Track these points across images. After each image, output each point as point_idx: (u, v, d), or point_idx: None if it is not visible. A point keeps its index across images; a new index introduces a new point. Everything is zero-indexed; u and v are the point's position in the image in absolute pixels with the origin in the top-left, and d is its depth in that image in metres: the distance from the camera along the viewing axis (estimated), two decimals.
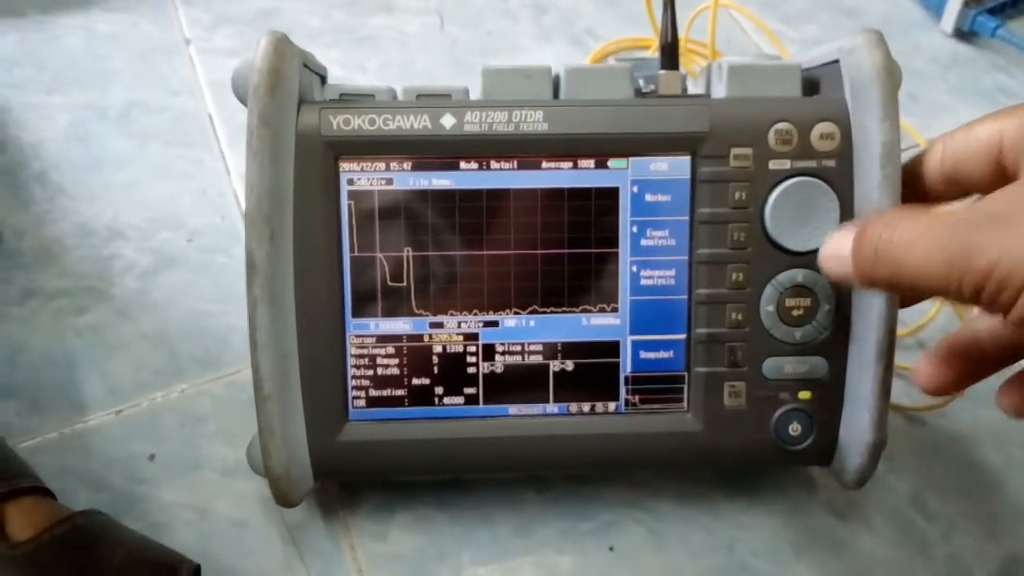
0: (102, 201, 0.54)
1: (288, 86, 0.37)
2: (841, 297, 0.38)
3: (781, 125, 0.37)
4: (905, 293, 0.37)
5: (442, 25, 0.65)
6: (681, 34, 0.45)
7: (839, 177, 0.38)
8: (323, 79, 0.41)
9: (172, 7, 0.64)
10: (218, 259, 0.52)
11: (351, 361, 0.39)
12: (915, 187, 0.36)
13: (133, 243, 0.52)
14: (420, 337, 0.39)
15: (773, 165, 0.38)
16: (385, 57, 0.61)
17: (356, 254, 0.38)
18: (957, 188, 0.35)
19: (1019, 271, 0.26)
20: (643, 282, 0.39)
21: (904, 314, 0.39)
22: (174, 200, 0.54)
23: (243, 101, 0.37)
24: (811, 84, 0.41)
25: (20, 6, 0.62)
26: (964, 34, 0.66)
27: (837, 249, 0.32)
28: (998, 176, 0.32)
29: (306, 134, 0.37)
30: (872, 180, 0.37)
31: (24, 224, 0.53)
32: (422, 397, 0.40)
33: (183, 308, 0.50)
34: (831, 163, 0.38)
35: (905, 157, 0.37)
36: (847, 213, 0.38)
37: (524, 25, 0.65)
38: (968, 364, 0.36)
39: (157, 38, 0.62)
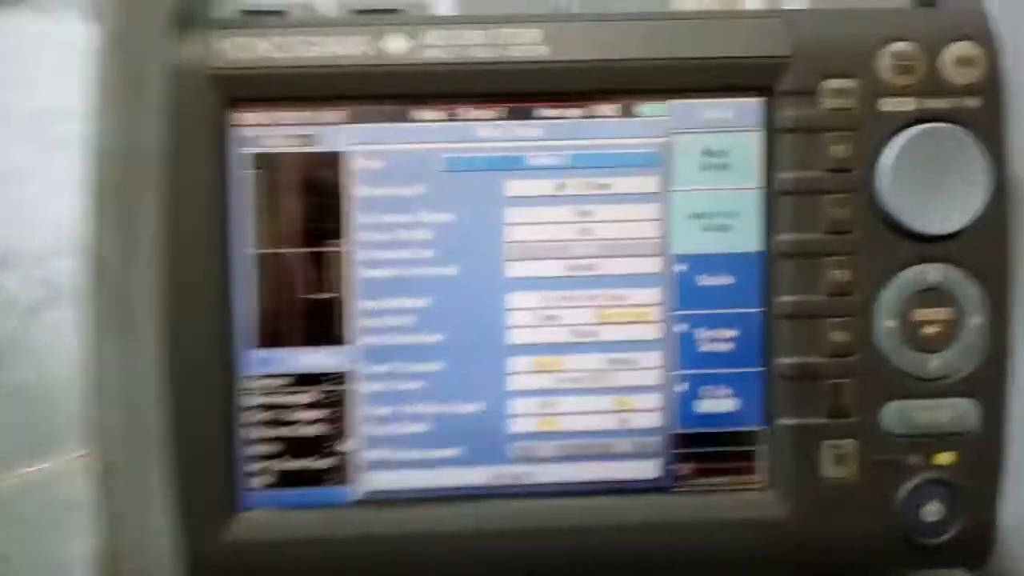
0: None
1: None
2: (998, 304, 0.30)
3: (898, 46, 0.29)
4: None
5: None
6: None
7: (986, 122, 0.30)
8: None
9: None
10: None
11: (246, 416, 0.30)
12: None
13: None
14: (357, 377, 0.30)
15: (887, 106, 0.30)
16: None
17: (257, 251, 0.30)
18: None
19: None
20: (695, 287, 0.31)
21: None
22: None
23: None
24: None
25: None
26: None
27: None
28: None
29: (185, 68, 0.29)
30: None
31: None
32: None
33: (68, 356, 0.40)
34: (973, 102, 0.30)
35: None
36: (1000, 174, 0.30)
37: None
38: None
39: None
